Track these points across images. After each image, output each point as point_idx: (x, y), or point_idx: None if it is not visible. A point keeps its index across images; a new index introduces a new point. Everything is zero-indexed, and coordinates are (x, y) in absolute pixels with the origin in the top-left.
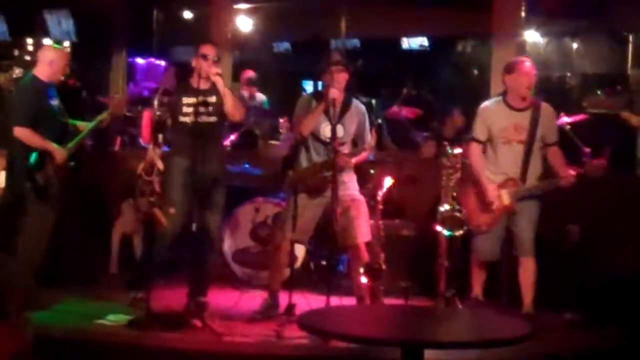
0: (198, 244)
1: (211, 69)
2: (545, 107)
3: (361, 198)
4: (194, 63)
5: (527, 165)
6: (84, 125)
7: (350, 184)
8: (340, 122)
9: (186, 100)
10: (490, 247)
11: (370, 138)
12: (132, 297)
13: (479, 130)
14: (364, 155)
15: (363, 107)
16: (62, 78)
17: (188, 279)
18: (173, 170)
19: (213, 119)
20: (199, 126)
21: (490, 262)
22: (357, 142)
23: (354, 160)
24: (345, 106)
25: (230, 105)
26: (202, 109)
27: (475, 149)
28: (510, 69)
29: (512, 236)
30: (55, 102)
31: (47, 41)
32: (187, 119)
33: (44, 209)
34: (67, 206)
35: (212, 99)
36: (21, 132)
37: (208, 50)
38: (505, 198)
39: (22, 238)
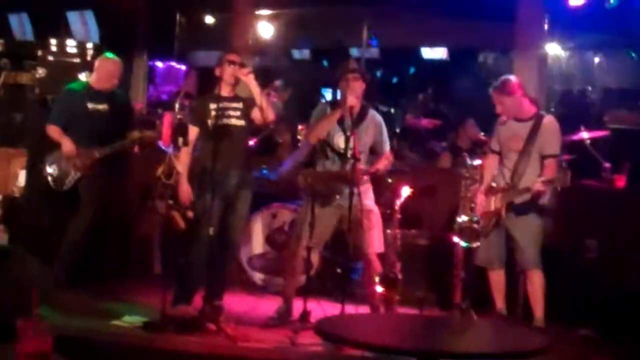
0: (218, 249)
1: (239, 71)
2: (548, 120)
3: (375, 209)
4: (218, 72)
5: (518, 173)
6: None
7: (365, 195)
8: (355, 131)
9: (213, 106)
10: (484, 252)
11: (388, 148)
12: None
13: (494, 142)
14: (383, 164)
15: (379, 117)
16: (112, 87)
17: (205, 282)
18: (197, 175)
19: (240, 122)
20: (226, 128)
21: (504, 274)
22: (375, 152)
23: (371, 170)
24: (361, 116)
25: (263, 106)
26: (229, 113)
27: (490, 159)
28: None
29: (514, 251)
30: (100, 106)
31: (70, 42)
32: (214, 122)
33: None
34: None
35: (239, 104)
36: (48, 130)
37: (234, 57)
38: (497, 202)
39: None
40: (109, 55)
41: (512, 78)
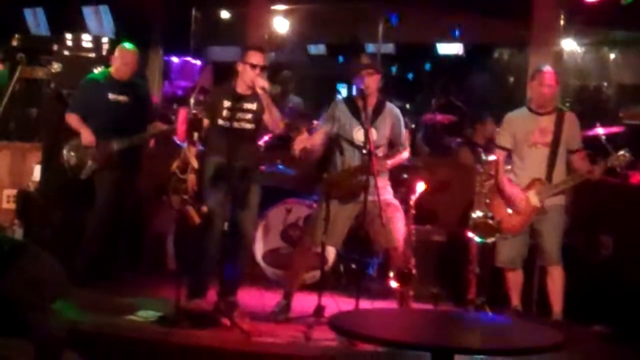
0: (232, 243)
1: (257, 80)
2: (569, 114)
3: (396, 202)
4: (240, 68)
5: (553, 166)
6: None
7: (384, 189)
8: (373, 125)
9: (227, 103)
10: (510, 254)
11: (406, 139)
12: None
13: (504, 138)
14: (401, 156)
15: (397, 110)
16: (127, 76)
17: (219, 277)
18: (208, 170)
19: (251, 126)
20: (236, 131)
21: (522, 271)
22: (393, 145)
23: (390, 162)
24: (378, 109)
25: (272, 120)
26: (240, 115)
27: (497, 155)
28: (533, 76)
29: (537, 247)
30: (121, 97)
31: (86, 37)
32: (225, 123)
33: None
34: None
35: (253, 106)
36: (67, 118)
37: (257, 58)
38: (534, 199)
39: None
40: (126, 45)
41: (543, 69)
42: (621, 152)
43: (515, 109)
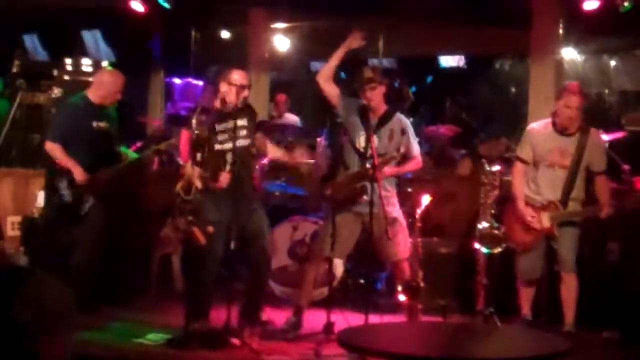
0: (255, 265)
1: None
2: (594, 134)
3: (400, 216)
4: (222, 87)
5: (569, 191)
6: (127, 155)
7: (389, 200)
8: (376, 133)
9: (219, 127)
10: (532, 266)
11: (417, 151)
12: (191, 327)
13: (525, 151)
14: (409, 166)
15: (406, 120)
16: (114, 103)
17: (244, 297)
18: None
19: (247, 142)
20: (234, 151)
21: (536, 281)
22: (406, 156)
23: (387, 170)
24: (385, 119)
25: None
26: (233, 134)
27: (519, 168)
28: (560, 94)
29: (554, 253)
30: (102, 124)
31: (86, 61)
32: (221, 147)
33: (88, 223)
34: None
35: (244, 121)
36: (49, 147)
37: (237, 78)
38: (546, 221)
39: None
40: (112, 69)
41: (569, 88)
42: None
43: (540, 121)
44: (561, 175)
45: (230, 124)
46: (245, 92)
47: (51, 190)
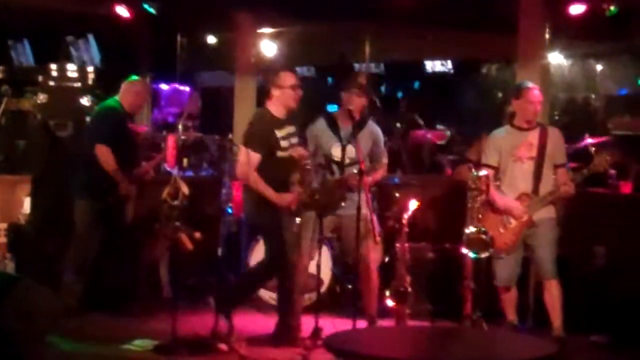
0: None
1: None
2: (552, 129)
3: (373, 218)
4: (277, 93)
5: (539, 180)
6: None
7: (363, 204)
8: (351, 142)
9: (279, 133)
10: (508, 272)
11: (385, 158)
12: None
13: (491, 157)
14: (379, 174)
15: (377, 128)
16: (138, 112)
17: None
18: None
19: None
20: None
21: (516, 286)
22: (371, 161)
23: (371, 178)
24: (360, 125)
25: None
26: (293, 140)
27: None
28: (518, 94)
29: (532, 261)
30: (128, 132)
31: (71, 66)
32: (286, 154)
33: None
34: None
35: (292, 127)
36: (102, 150)
37: (295, 79)
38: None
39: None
40: (142, 79)
41: (527, 86)
42: (601, 156)
43: (498, 128)
44: (529, 168)
45: (287, 130)
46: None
47: (38, 196)
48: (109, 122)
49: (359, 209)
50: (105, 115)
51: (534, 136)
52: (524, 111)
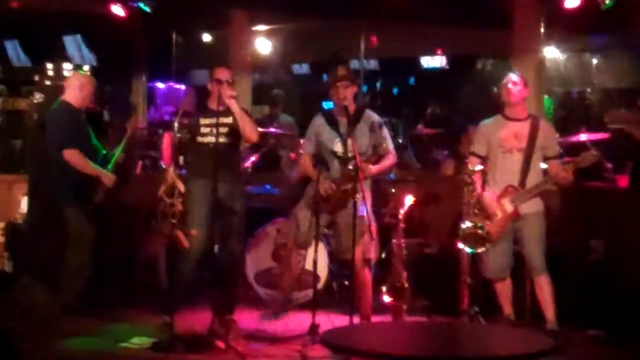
0: (221, 264)
1: (226, 91)
2: (543, 122)
3: (369, 215)
4: (209, 86)
5: (527, 173)
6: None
7: (359, 201)
8: (352, 133)
9: (203, 121)
10: (495, 263)
11: (390, 144)
12: (162, 321)
13: (478, 146)
14: (385, 163)
15: (376, 116)
16: (91, 105)
17: (213, 298)
18: (193, 192)
19: (228, 139)
20: (215, 147)
21: (512, 279)
22: (376, 150)
23: (374, 168)
24: (356, 118)
25: (245, 127)
26: (219, 130)
27: (474, 163)
28: (502, 84)
29: (520, 256)
30: (86, 127)
31: (67, 66)
32: (204, 139)
33: (90, 231)
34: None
35: (228, 119)
36: (71, 155)
37: (222, 74)
38: (508, 206)
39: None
40: (84, 72)
41: (507, 76)
42: (588, 152)
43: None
44: (518, 159)
45: (214, 120)
46: (230, 89)
47: (35, 195)
48: (64, 125)
49: (354, 205)
50: (58, 120)
51: (524, 127)
52: (509, 96)
